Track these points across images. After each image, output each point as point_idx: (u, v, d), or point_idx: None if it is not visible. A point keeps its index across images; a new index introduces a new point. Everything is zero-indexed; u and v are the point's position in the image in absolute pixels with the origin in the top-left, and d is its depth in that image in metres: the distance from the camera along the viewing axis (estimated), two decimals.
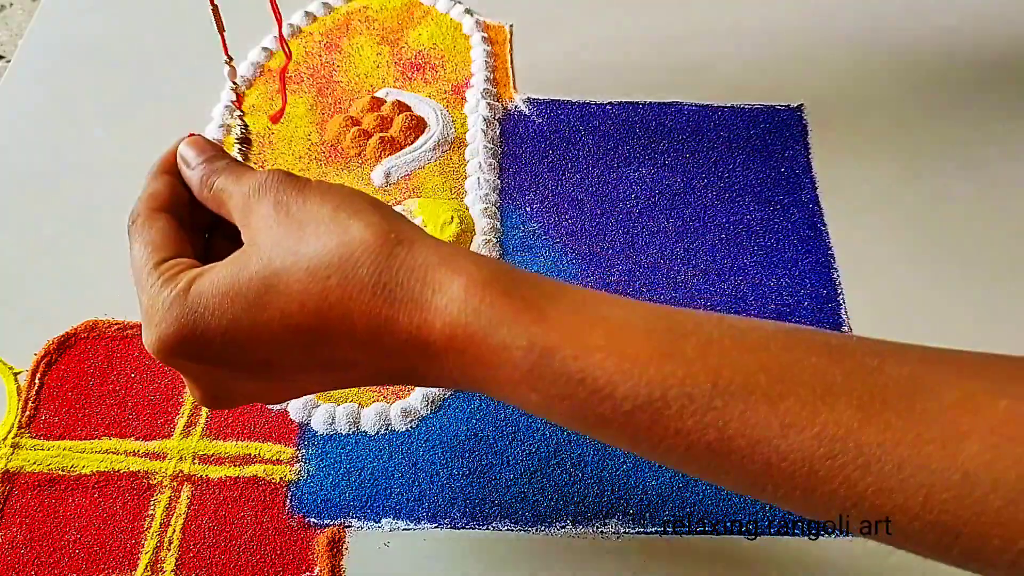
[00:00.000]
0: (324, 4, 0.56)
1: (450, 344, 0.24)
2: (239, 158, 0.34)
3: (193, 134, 0.31)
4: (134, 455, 0.38)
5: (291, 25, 0.55)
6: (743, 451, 0.22)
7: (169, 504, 0.36)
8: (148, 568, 0.35)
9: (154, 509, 0.36)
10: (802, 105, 0.51)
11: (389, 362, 0.26)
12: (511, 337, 0.24)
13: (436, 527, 0.36)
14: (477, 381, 0.25)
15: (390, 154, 0.48)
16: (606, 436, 0.24)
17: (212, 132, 0.49)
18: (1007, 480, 0.20)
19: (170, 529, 0.36)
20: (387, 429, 0.39)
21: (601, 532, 0.36)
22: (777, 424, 0.22)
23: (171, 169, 0.31)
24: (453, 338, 0.24)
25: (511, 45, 0.54)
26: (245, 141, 0.41)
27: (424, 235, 0.26)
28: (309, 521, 0.36)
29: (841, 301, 0.43)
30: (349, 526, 0.36)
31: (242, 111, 0.36)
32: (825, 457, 0.22)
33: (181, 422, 0.39)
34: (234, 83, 0.36)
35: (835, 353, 0.23)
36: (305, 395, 0.31)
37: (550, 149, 0.49)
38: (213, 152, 0.30)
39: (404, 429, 0.39)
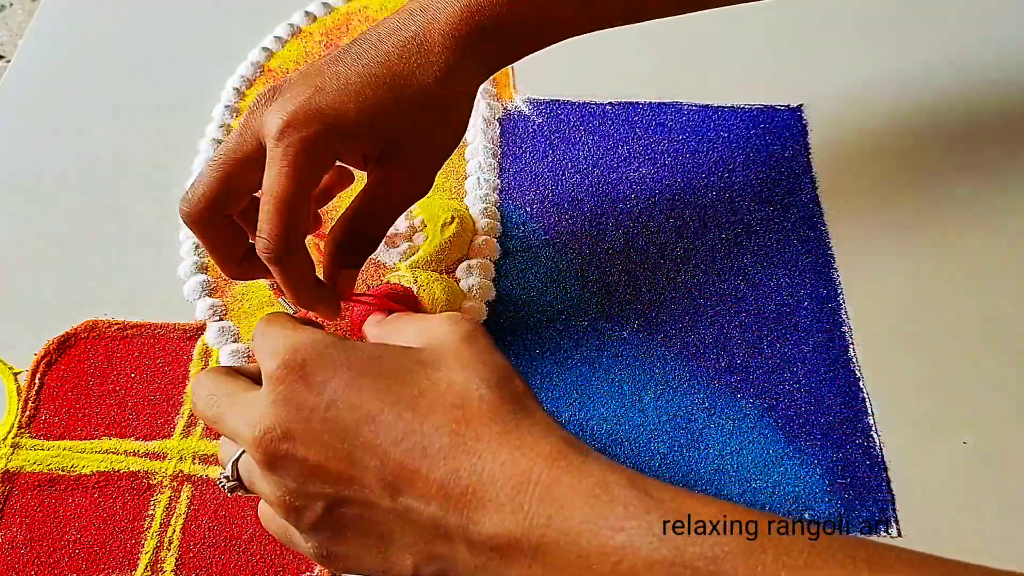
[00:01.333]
0: (324, 4, 0.56)
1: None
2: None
3: None
4: (134, 455, 0.38)
5: (291, 25, 0.55)
6: None
7: (169, 504, 0.36)
8: (148, 568, 0.35)
9: (154, 509, 0.36)
10: (802, 105, 0.51)
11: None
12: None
13: None
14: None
15: None
16: None
17: (212, 132, 0.49)
18: None
19: (170, 529, 0.36)
20: None
21: None
22: None
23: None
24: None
25: None
26: None
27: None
28: None
29: (841, 301, 0.43)
30: None
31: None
32: None
33: (181, 422, 0.39)
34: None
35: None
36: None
37: (550, 149, 0.49)
38: None
39: None
